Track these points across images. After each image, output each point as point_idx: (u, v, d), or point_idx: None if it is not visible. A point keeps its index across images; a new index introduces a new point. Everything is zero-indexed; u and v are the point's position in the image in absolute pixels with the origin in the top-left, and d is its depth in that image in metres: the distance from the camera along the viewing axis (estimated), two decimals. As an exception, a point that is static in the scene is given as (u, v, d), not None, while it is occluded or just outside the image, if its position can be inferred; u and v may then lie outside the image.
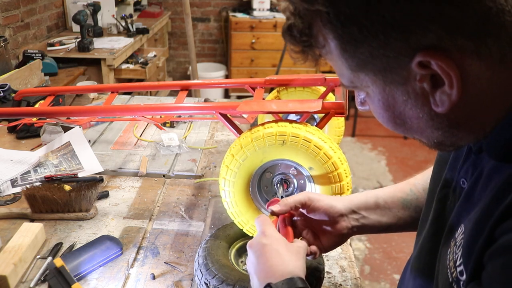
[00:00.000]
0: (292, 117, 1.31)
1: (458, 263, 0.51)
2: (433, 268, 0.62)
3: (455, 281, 0.52)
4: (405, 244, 2.70)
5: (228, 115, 1.05)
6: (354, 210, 0.79)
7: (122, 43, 2.94)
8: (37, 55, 2.41)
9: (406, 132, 0.55)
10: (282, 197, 0.89)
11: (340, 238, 0.79)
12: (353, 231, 0.79)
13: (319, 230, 0.79)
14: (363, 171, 3.50)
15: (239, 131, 1.03)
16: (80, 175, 1.35)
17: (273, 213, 0.76)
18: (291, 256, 0.67)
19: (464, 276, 0.50)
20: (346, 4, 0.45)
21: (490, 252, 0.46)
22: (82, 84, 2.19)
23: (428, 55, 0.45)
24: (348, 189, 0.92)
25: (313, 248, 0.76)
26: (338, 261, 1.06)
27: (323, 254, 1.05)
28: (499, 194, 0.47)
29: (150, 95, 3.13)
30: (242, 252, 1.02)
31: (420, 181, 0.84)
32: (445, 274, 0.55)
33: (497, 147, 0.50)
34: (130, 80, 3.03)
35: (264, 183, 0.99)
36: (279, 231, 0.75)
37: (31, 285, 0.95)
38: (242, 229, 0.99)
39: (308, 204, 0.77)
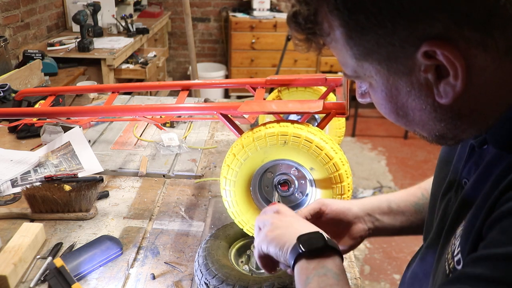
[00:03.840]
0: (293, 117, 1.31)
1: (456, 252, 0.51)
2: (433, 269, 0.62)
3: (452, 272, 0.52)
4: (405, 244, 2.70)
5: (229, 115, 1.05)
6: (369, 213, 0.80)
7: (122, 43, 2.94)
8: (37, 55, 2.41)
9: (408, 125, 0.55)
10: (278, 202, 0.90)
11: (356, 241, 0.79)
12: (368, 233, 0.80)
13: (334, 235, 0.78)
14: (363, 171, 3.50)
15: (240, 131, 1.03)
16: (80, 175, 1.35)
17: None
18: (310, 225, 0.68)
19: (461, 264, 0.49)
20: None
21: (489, 222, 0.45)
22: (82, 84, 2.19)
23: (434, 45, 0.45)
24: (349, 190, 0.92)
25: None
26: (339, 261, 1.05)
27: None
28: (499, 177, 0.47)
29: (150, 95, 3.13)
30: (242, 252, 1.02)
31: (430, 186, 0.84)
32: (443, 268, 0.55)
33: (501, 136, 0.50)
34: (130, 80, 3.03)
35: (265, 183, 0.98)
36: None
37: (31, 285, 0.95)
38: (242, 229, 0.99)
39: (323, 210, 0.78)
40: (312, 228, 0.66)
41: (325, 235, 0.64)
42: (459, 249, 0.50)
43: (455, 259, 0.51)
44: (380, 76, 0.51)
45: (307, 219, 0.75)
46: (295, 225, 0.68)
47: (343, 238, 0.79)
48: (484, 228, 0.46)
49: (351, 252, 1.09)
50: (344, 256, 1.05)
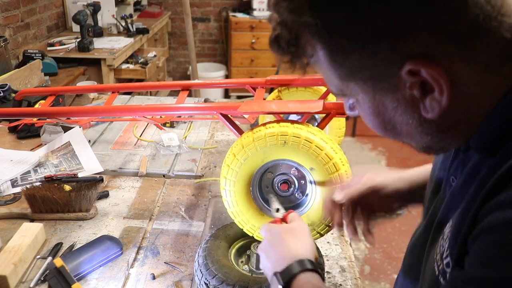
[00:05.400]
0: (293, 117, 1.31)
1: (445, 255, 0.52)
2: (420, 263, 0.62)
3: (441, 274, 0.52)
4: (405, 244, 2.68)
5: (229, 115, 1.05)
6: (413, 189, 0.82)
7: (122, 43, 2.94)
8: (37, 55, 2.41)
9: (396, 137, 0.56)
10: (277, 209, 0.90)
11: (391, 214, 0.83)
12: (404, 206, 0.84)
13: (371, 210, 0.83)
14: (363, 171, 3.50)
15: (240, 131, 1.03)
16: (80, 175, 1.35)
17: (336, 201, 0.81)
18: (293, 241, 0.72)
19: (450, 266, 0.50)
20: (335, 16, 0.46)
21: (473, 236, 0.46)
22: (83, 84, 2.19)
23: (418, 63, 0.45)
24: (348, 189, 0.92)
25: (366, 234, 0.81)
26: (338, 261, 1.06)
27: (323, 254, 1.05)
28: (481, 183, 0.48)
29: (150, 95, 3.13)
30: (242, 252, 1.02)
31: None
32: (431, 269, 0.55)
33: (482, 143, 0.51)
34: (130, 80, 3.03)
35: (265, 183, 0.98)
36: None
37: (31, 285, 0.95)
38: (242, 229, 0.99)
39: (372, 197, 0.81)
40: (290, 256, 0.69)
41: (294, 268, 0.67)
42: (447, 252, 0.51)
43: (444, 261, 0.51)
44: (365, 94, 0.52)
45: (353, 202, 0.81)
46: (278, 252, 0.71)
47: (379, 213, 0.83)
48: (468, 240, 0.47)
49: (351, 252, 1.09)
50: (344, 256, 1.06)
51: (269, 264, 0.71)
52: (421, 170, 0.84)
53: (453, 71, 0.46)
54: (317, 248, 0.99)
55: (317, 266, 0.68)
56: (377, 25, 0.44)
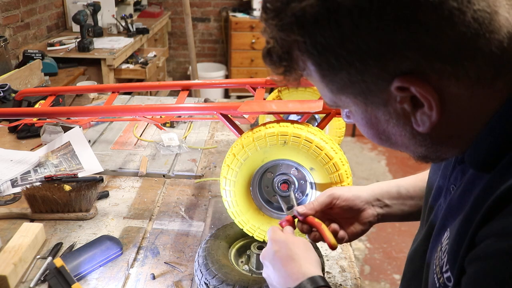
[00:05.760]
0: (293, 117, 1.31)
1: (444, 269, 0.52)
2: (422, 272, 0.62)
3: (443, 287, 0.52)
4: (405, 244, 2.70)
5: (229, 115, 1.05)
6: (378, 198, 0.81)
7: (122, 43, 2.94)
8: (37, 55, 2.41)
9: (392, 147, 0.56)
10: (291, 207, 0.88)
11: (366, 226, 0.80)
12: (378, 219, 0.81)
13: (343, 220, 0.80)
14: (363, 171, 3.50)
15: (240, 131, 1.03)
16: (80, 175, 1.35)
17: (299, 214, 0.78)
18: (302, 256, 0.70)
19: (452, 282, 0.50)
20: (322, 35, 0.46)
21: (468, 258, 0.47)
22: (83, 84, 2.19)
23: (406, 81, 0.45)
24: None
25: (341, 233, 0.78)
26: (338, 261, 1.06)
27: (323, 254, 1.05)
28: (478, 202, 0.48)
29: (150, 95, 3.13)
30: (242, 252, 1.02)
31: None
32: (432, 279, 0.56)
33: (476, 158, 0.51)
34: (130, 80, 3.03)
35: (265, 183, 0.98)
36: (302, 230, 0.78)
37: (31, 285, 0.95)
38: (242, 229, 0.99)
39: (334, 203, 0.79)
40: (301, 271, 0.68)
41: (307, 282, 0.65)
42: (447, 266, 0.52)
43: (445, 276, 0.52)
44: (358, 107, 0.52)
45: (318, 211, 0.78)
46: (288, 268, 0.69)
47: (353, 224, 0.80)
48: (465, 262, 0.47)
49: (351, 252, 1.09)
50: (344, 256, 1.06)
51: (276, 277, 0.69)
52: (390, 184, 0.84)
53: (442, 86, 0.46)
54: (317, 249, 0.99)
55: (327, 281, 0.67)
56: (362, 44, 0.45)
